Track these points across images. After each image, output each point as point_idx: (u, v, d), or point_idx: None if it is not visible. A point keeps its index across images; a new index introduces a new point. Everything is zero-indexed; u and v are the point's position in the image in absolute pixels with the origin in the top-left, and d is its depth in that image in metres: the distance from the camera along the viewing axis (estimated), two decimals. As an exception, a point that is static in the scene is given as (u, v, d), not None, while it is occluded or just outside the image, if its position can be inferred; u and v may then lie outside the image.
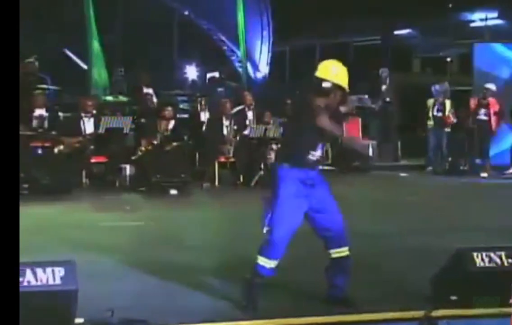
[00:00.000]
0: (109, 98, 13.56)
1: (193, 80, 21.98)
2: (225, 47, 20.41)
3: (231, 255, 6.48)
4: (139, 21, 20.59)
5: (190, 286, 5.50)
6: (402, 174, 13.60)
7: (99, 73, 14.15)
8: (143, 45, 20.68)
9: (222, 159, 11.74)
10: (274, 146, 12.02)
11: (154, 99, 13.31)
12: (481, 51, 15.51)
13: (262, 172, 11.55)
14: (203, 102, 13.08)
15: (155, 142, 11.13)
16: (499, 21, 20.95)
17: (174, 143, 11.24)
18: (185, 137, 12.16)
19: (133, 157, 11.19)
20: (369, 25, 21.57)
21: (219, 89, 18.30)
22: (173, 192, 10.56)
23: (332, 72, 4.89)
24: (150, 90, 13.41)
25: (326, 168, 13.63)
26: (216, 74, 21.13)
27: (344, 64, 5.00)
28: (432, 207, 9.96)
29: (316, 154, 4.93)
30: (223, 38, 20.17)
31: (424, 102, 14.19)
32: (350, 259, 5.01)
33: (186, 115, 13.96)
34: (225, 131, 11.90)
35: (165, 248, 6.88)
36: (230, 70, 20.22)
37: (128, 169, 11.28)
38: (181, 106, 15.15)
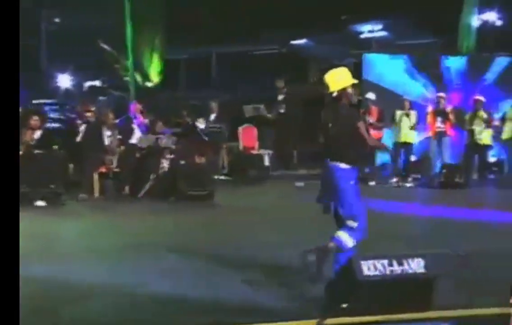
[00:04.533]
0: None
1: (67, 89, 21.32)
2: (108, 56, 19.55)
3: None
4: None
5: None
6: (298, 184, 13.47)
7: None
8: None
9: (103, 169, 11.32)
10: (168, 156, 11.73)
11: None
12: (369, 61, 15.81)
13: (152, 182, 11.27)
14: (79, 111, 12.73)
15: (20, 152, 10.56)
16: (384, 33, 21.87)
17: (41, 152, 10.73)
18: (56, 147, 11.59)
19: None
20: (266, 34, 21.68)
21: (101, 98, 17.81)
22: (40, 203, 10.14)
23: (335, 80, 5.90)
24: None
25: (222, 177, 13.53)
26: (97, 83, 20.58)
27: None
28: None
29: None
30: (106, 46, 19.33)
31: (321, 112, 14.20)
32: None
33: (58, 124, 13.53)
34: (106, 141, 11.49)
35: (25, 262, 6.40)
36: (115, 79, 19.59)
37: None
38: (51, 115, 14.68)
